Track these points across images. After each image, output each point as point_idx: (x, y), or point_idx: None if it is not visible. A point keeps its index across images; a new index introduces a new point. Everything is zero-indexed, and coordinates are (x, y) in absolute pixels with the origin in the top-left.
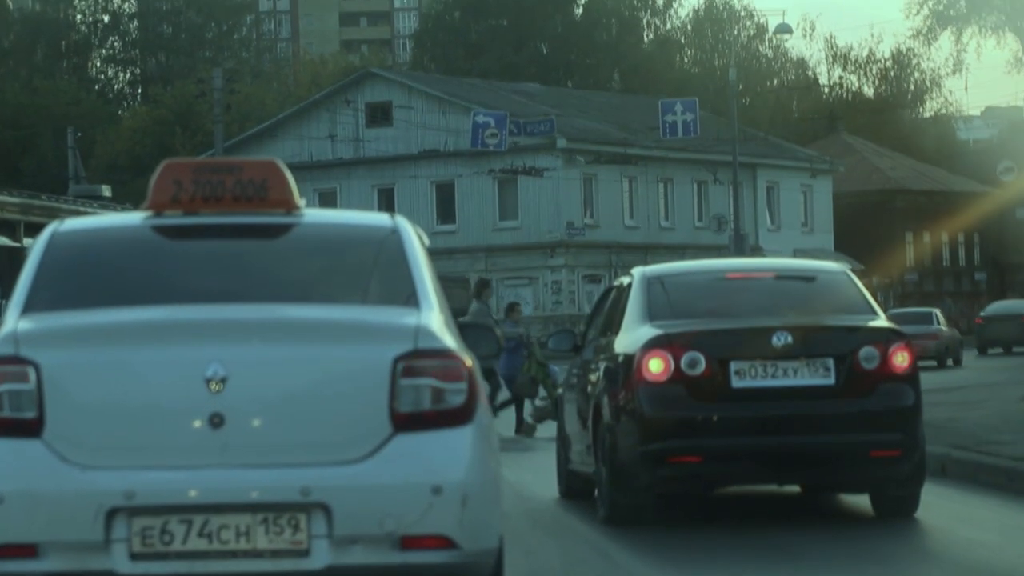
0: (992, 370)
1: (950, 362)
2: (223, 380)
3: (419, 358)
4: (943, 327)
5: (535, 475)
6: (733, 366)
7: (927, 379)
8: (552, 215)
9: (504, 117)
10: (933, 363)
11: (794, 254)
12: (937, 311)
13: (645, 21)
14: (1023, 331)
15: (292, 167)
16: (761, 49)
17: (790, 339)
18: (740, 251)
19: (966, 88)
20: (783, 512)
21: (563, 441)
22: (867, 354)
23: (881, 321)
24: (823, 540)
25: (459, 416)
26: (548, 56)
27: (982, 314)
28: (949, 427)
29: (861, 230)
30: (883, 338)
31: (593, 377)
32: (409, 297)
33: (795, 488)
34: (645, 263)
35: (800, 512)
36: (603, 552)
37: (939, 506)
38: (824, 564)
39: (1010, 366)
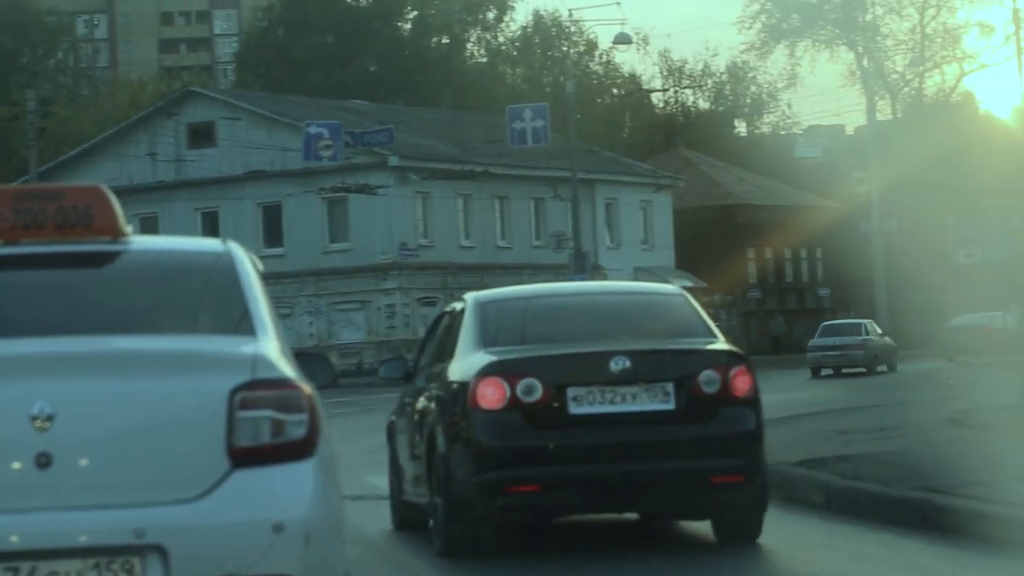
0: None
1: (884, 368)
2: (50, 418)
3: (257, 389)
4: (872, 337)
5: (367, 506)
6: (570, 392)
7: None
8: (384, 236)
9: (338, 127)
10: (862, 370)
11: (635, 272)
12: (868, 322)
13: (475, 36)
14: (987, 342)
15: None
16: (592, 66)
17: (628, 363)
18: (581, 269)
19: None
20: (625, 539)
21: (396, 471)
22: (707, 378)
23: (721, 344)
24: (667, 568)
25: (300, 449)
26: (376, 73)
27: (947, 325)
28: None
29: (702, 246)
30: (724, 361)
31: (426, 405)
32: (244, 325)
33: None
34: (482, 284)
35: (641, 539)
36: None
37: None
38: None
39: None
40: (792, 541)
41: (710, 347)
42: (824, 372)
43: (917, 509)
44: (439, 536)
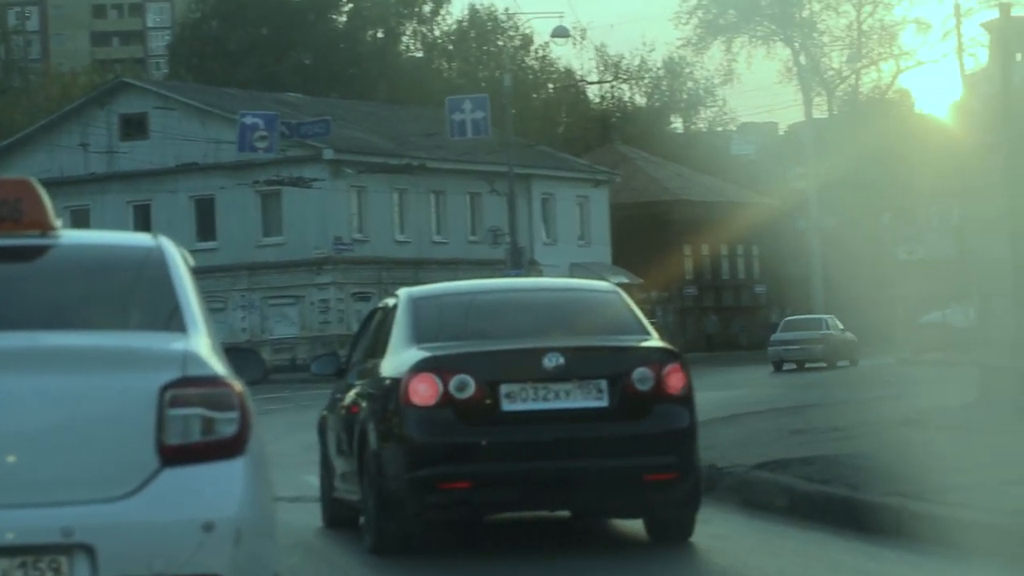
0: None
1: (847, 363)
2: None
3: (188, 386)
4: (832, 332)
5: (305, 508)
6: (503, 389)
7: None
8: (319, 230)
9: (274, 118)
10: (823, 365)
11: (571, 268)
12: (829, 317)
13: (411, 30)
14: (952, 339)
15: (41, 184)
16: (528, 61)
17: (562, 360)
18: (517, 265)
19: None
20: (556, 537)
21: (327, 467)
22: (641, 375)
23: (655, 341)
24: (597, 566)
25: (231, 447)
26: (311, 66)
27: (919, 323)
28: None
29: (639, 242)
30: (658, 359)
31: (358, 402)
32: (175, 321)
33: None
34: (417, 279)
35: (573, 536)
36: None
37: None
38: None
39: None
40: (761, 550)
41: (644, 344)
42: (787, 367)
43: (892, 515)
44: (370, 533)
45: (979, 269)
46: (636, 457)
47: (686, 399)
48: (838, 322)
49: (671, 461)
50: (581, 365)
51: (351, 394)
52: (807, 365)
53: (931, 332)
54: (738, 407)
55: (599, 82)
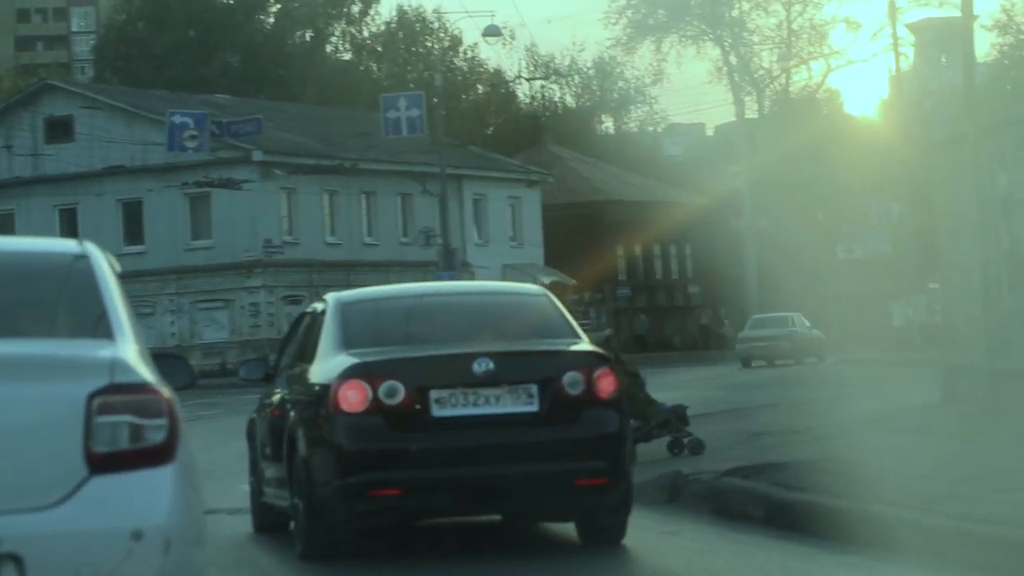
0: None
1: (814, 359)
2: None
3: (116, 393)
4: (798, 329)
5: (236, 514)
6: (433, 395)
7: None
8: (248, 233)
9: (204, 117)
10: (791, 362)
11: (503, 270)
12: (796, 315)
13: (340, 30)
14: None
15: None
16: (456, 62)
17: (492, 365)
18: (449, 267)
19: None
20: (487, 541)
21: (256, 473)
22: (571, 379)
23: (585, 345)
24: (529, 570)
25: (160, 455)
26: (239, 67)
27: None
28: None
29: (571, 243)
30: (588, 363)
31: (287, 408)
32: (102, 328)
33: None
34: (348, 282)
35: (504, 541)
36: None
37: None
38: None
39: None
40: (744, 566)
41: (574, 348)
42: (756, 363)
43: (884, 527)
44: (300, 539)
45: (945, 267)
46: (567, 462)
47: (616, 403)
48: (805, 320)
49: (602, 466)
50: (511, 370)
51: (280, 400)
52: (777, 362)
53: (900, 332)
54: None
55: (528, 77)
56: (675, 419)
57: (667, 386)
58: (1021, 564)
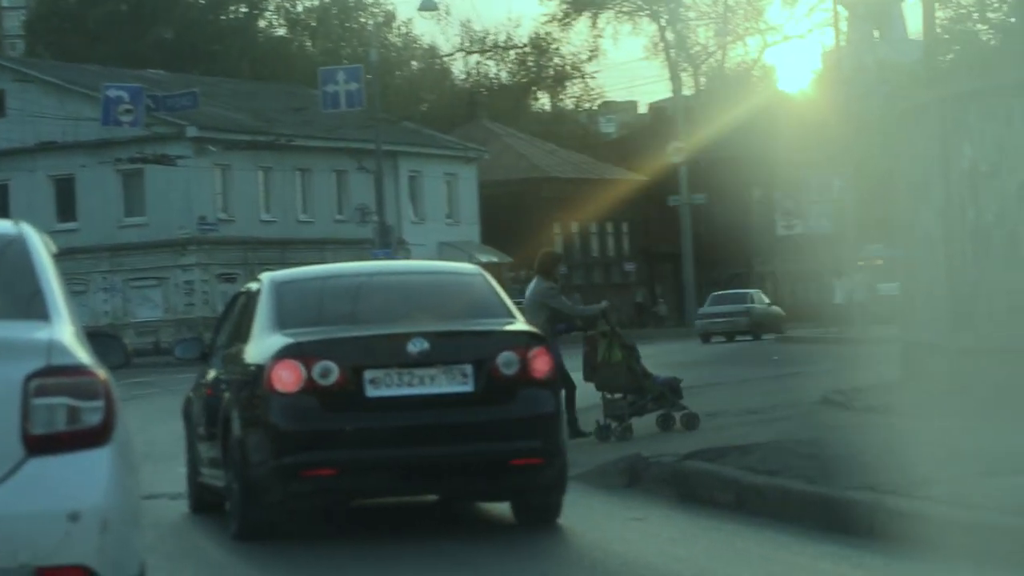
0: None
1: (772, 335)
2: None
3: (53, 375)
4: (757, 305)
5: (179, 499)
6: (367, 375)
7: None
8: (183, 210)
9: (140, 91)
10: (749, 337)
11: (439, 248)
12: (755, 292)
13: (274, 6)
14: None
15: None
16: (391, 38)
17: (426, 345)
18: (385, 244)
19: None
20: (424, 520)
21: (193, 452)
22: (506, 360)
23: (520, 325)
24: (463, 548)
25: (96, 436)
26: (172, 42)
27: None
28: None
29: (508, 221)
30: (523, 343)
31: (222, 388)
32: (38, 310)
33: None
34: (283, 259)
35: (441, 520)
36: (233, 572)
37: None
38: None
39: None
40: (721, 556)
41: (509, 328)
42: (716, 340)
43: (864, 513)
44: (235, 520)
45: (905, 240)
46: (501, 442)
47: (551, 383)
48: (764, 297)
49: (536, 446)
50: (446, 350)
51: (215, 379)
52: (737, 338)
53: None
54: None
55: (464, 50)
56: (669, 392)
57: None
58: (1019, 553)
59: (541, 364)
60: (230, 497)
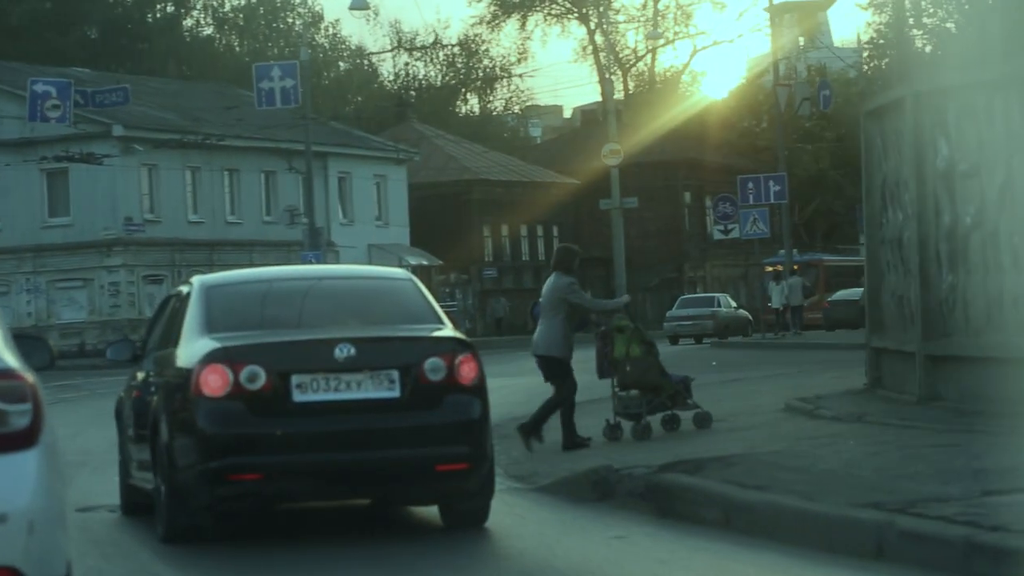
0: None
1: (739, 338)
2: None
3: None
4: (723, 309)
5: (104, 497)
6: (294, 380)
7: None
8: (108, 210)
9: (68, 86)
10: (715, 339)
11: (369, 250)
12: (722, 296)
13: (201, 4)
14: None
15: None
16: (318, 38)
17: (353, 351)
18: (315, 246)
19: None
20: (355, 524)
21: (124, 454)
22: (433, 365)
23: (448, 331)
24: (393, 551)
25: (24, 439)
26: (98, 40)
27: (829, 299)
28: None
29: (438, 223)
30: (449, 349)
31: (152, 390)
32: None
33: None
34: (211, 261)
35: (371, 523)
36: (159, 574)
37: None
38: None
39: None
40: None
41: (436, 334)
42: (684, 341)
43: (871, 533)
44: (162, 523)
45: (870, 243)
46: (427, 447)
47: (478, 389)
48: (731, 300)
49: (462, 451)
50: (372, 355)
51: (144, 382)
52: (704, 340)
53: (842, 310)
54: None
55: (391, 49)
56: (683, 390)
57: (524, 372)
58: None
59: (468, 370)
60: (158, 500)
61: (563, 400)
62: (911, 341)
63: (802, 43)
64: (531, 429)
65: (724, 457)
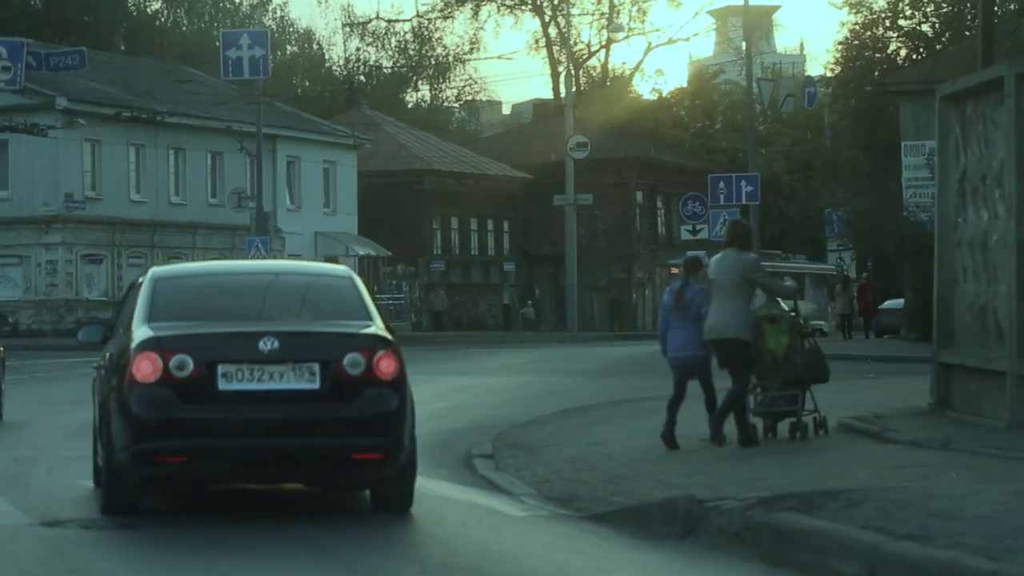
0: None
1: None
2: None
3: None
4: None
5: (61, 495)
6: (220, 369)
7: None
8: (49, 186)
9: (20, 46)
10: None
11: (316, 238)
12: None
13: None
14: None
15: None
16: (265, 20)
17: (277, 344)
18: (262, 231)
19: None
20: (289, 505)
21: (95, 432)
22: (352, 360)
23: (373, 328)
24: (317, 533)
25: None
26: (41, 11)
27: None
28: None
29: (387, 213)
30: (369, 345)
31: (103, 374)
32: None
33: None
34: (152, 242)
35: (306, 505)
36: (88, 549)
37: None
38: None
39: None
40: None
41: (359, 331)
42: None
43: (864, 554)
44: (101, 497)
45: (943, 245)
46: (343, 437)
47: (396, 383)
48: None
49: (377, 442)
50: (295, 349)
51: (100, 364)
52: None
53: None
54: (560, 400)
55: (351, 23)
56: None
57: (483, 370)
58: None
59: (386, 366)
60: (102, 478)
61: (743, 391)
62: (1000, 359)
63: (744, 48)
64: (714, 434)
65: (836, 492)
